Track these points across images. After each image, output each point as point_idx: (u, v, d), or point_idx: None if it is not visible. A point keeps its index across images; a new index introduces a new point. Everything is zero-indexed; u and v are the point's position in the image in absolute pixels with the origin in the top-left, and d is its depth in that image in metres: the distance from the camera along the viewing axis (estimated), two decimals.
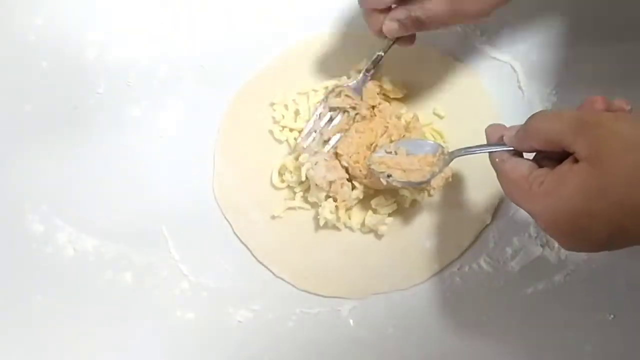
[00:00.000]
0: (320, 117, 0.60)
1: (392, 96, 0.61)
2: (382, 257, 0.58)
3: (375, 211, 0.58)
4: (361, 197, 0.58)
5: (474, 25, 0.64)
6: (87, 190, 0.61)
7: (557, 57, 0.62)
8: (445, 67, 0.63)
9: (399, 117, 0.59)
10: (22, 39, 0.66)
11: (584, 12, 0.63)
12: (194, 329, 0.57)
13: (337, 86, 0.59)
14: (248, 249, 0.59)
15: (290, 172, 0.59)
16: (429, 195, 0.58)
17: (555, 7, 0.64)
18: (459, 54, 0.64)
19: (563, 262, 0.56)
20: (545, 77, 0.62)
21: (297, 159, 0.59)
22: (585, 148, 0.38)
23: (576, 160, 0.39)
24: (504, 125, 0.47)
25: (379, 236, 0.58)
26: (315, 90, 0.62)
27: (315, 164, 0.56)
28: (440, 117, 0.62)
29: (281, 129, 0.61)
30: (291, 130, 0.61)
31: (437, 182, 0.55)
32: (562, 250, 0.56)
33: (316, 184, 0.56)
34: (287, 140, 0.61)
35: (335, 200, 0.57)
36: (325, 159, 0.57)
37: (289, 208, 0.59)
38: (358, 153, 0.56)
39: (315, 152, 0.58)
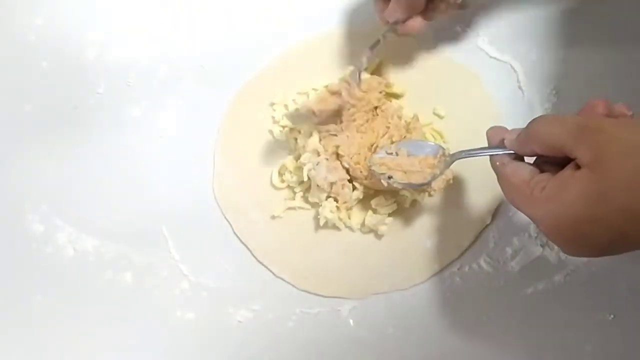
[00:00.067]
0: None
1: (393, 91, 0.61)
2: (382, 257, 0.58)
3: (375, 211, 0.58)
4: (361, 197, 0.58)
5: (474, 25, 0.64)
6: (87, 190, 0.61)
7: (557, 57, 0.62)
8: (445, 67, 0.63)
9: (400, 117, 0.59)
10: (22, 39, 0.66)
11: (584, 12, 0.63)
12: (194, 329, 0.57)
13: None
14: (248, 249, 0.59)
15: (291, 172, 0.59)
16: (429, 195, 0.58)
17: (556, 7, 0.64)
18: (459, 54, 0.64)
19: (563, 262, 0.56)
20: (545, 77, 0.62)
21: (297, 159, 0.59)
22: (587, 154, 0.38)
23: (578, 166, 0.39)
24: (505, 128, 0.47)
25: (379, 236, 0.58)
26: (315, 90, 0.62)
27: (317, 165, 0.56)
28: (440, 117, 0.62)
29: (281, 129, 0.61)
30: (291, 130, 0.61)
31: (438, 185, 0.55)
32: None
33: (317, 185, 0.56)
34: (287, 140, 0.61)
35: (336, 200, 0.57)
36: (326, 159, 0.57)
37: (289, 208, 0.59)
38: (359, 154, 0.56)
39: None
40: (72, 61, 0.65)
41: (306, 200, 0.59)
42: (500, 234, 0.58)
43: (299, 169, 0.58)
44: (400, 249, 0.58)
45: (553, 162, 0.42)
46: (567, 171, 0.39)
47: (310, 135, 0.58)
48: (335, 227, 0.58)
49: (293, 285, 0.58)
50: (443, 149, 0.53)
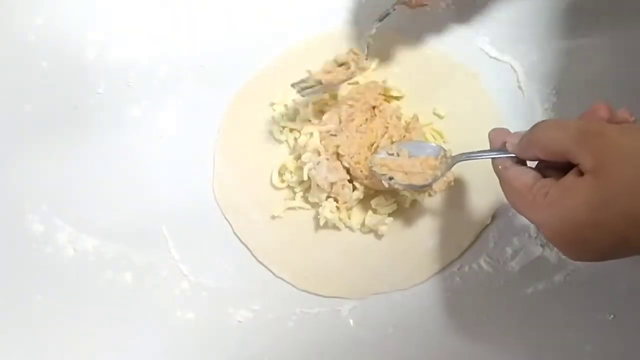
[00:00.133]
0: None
1: (392, 94, 0.61)
2: (382, 257, 0.58)
3: (375, 211, 0.58)
4: (361, 197, 0.58)
5: (474, 25, 0.64)
6: (87, 190, 0.61)
7: (557, 57, 0.62)
8: (445, 67, 0.63)
9: (399, 117, 0.59)
10: (22, 39, 0.66)
11: (584, 12, 0.63)
12: (194, 329, 0.57)
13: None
14: (248, 249, 0.59)
15: (291, 172, 0.59)
16: (430, 195, 0.58)
17: (556, 6, 0.64)
18: (459, 53, 0.64)
19: (563, 262, 0.56)
20: (545, 77, 0.62)
21: (297, 159, 0.59)
22: (590, 160, 0.38)
23: (581, 172, 0.39)
24: (508, 130, 0.47)
25: (379, 236, 0.58)
26: None
27: (317, 164, 0.56)
28: (440, 117, 0.62)
29: (281, 129, 0.61)
30: (291, 130, 0.61)
31: (439, 186, 0.54)
32: None
33: (317, 185, 0.56)
34: (287, 141, 0.61)
35: (336, 200, 0.57)
36: (327, 159, 0.57)
37: (289, 208, 0.59)
38: (359, 154, 0.56)
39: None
40: (72, 61, 0.65)
41: (306, 200, 0.59)
42: (500, 234, 0.58)
43: (299, 168, 0.58)
44: (400, 249, 0.58)
45: (555, 167, 0.41)
46: (570, 177, 0.39)
47: (311, 135, 0.58)
48: (335, 227, 0.58)
49: (293, 285, 0.58)
50: (444, 150, 0.53)
